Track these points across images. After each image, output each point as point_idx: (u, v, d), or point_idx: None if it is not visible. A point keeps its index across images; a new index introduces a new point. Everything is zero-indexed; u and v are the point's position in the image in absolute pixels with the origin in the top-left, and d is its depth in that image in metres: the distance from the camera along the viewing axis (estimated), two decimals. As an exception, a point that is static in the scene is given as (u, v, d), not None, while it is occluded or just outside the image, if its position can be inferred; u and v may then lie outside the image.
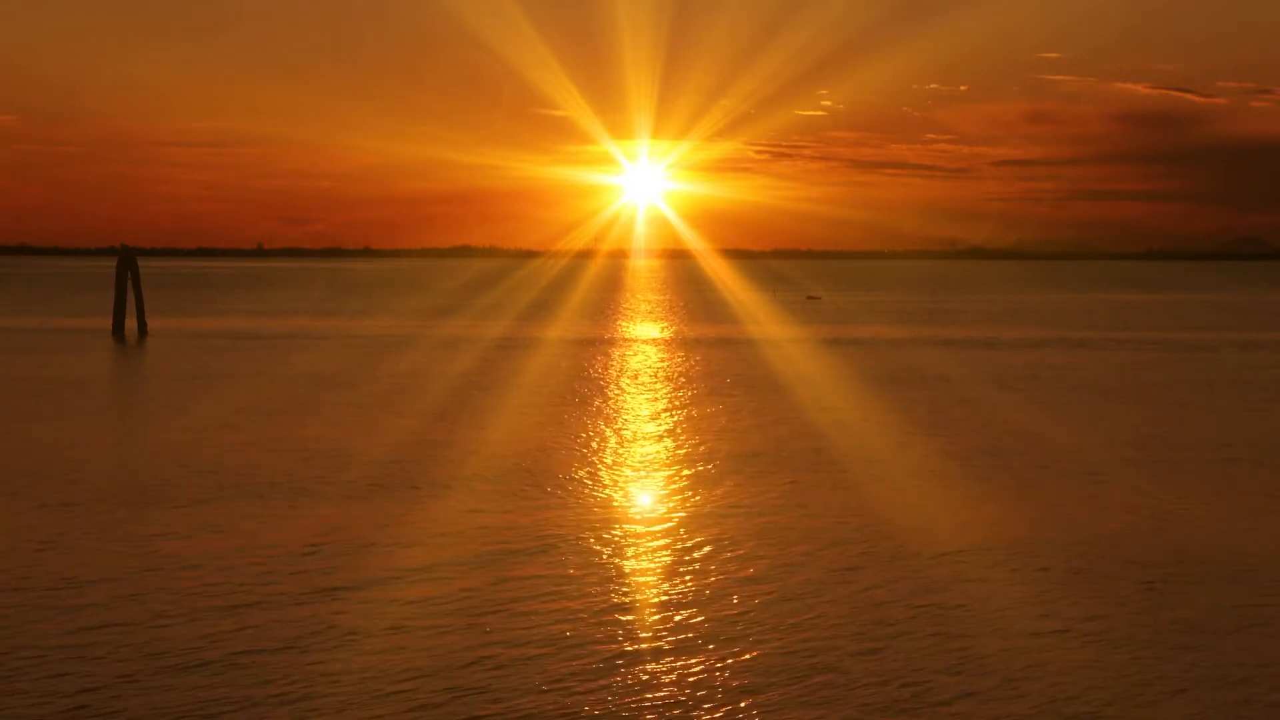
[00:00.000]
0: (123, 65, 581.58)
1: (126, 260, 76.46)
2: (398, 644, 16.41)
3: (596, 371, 53.66)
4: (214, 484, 27.44)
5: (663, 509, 25.30)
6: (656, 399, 43.72)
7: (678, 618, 17.76)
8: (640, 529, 23.40)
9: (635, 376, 51.70)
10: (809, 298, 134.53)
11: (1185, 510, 25.51)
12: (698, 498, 26.31)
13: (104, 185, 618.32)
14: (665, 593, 19.08)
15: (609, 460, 30.92)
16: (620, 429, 36.34)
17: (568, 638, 16.77)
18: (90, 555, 21.13)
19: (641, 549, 21.83)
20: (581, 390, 46.14)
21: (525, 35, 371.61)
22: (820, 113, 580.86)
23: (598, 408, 41.02)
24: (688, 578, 19.92)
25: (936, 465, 30.40)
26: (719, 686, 15.02)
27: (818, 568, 20.58)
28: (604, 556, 21.23)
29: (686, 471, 29.34)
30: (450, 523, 23.66)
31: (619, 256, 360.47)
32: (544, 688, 14.89)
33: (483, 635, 16.83)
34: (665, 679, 15.25)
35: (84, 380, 50.72)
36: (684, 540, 22.41)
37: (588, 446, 32.90)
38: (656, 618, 17.76)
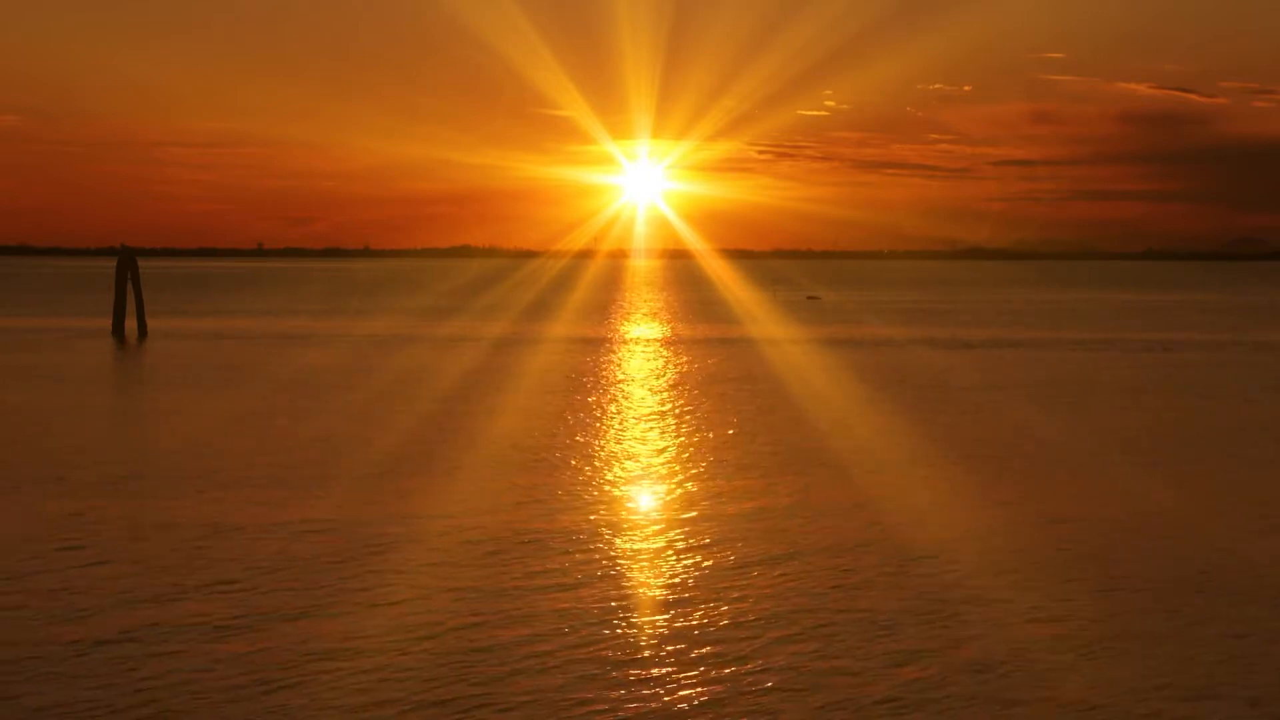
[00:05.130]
0: (123, 65, 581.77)
1: (126, 260, 76.43)
2: (398, 640, 16.37)
3: (596, 371, 53.63)
4: (214, 480, 27.41)
5: (663, 508, 25.27)
6: (656, 399, 43.68)
7: (678, 615, 17.72)
8: (640, 528, 23.36)
9: (635, 376, 51.68)
10: (809, 298, 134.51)
11: (1192, 511, 25.50)
12: (698, 497, 26.27)
13: (104, 185, 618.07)
14: (666, 591, 19.05)
15: (609, 459, 30.88)
16: (620, 428, 36.31)
17: (568, 635, 16.72)
18: (91, 550, 21.10)
19: (642, 548, 21.80)
20: (581, 390, 46.10)
21: (525, 35, 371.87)
22: (824, 113, 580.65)
23: (597, 407, 40.98)
24: (688, 576, 19.88)
25: (938, 465, 30.36)
26: (718, 683, 14.98)
27: (819, 567, 20.54)
28: (604, 555, 21.19)
29: (686, 471, 29.31)
30: (451, 520, 23.62)
31: (619, 256, 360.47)
32: (544, 685, 14.85)
33: (484, 631, 16.79)
34: (665, 677, 15.22)
35: (84, 379, 50.68)
36: (685, 539, 22.38)
37: (588, 445, 32.87)
38: (657, 616, 17.72)
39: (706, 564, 20.77)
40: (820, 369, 55.39)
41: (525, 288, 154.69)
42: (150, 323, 79.39)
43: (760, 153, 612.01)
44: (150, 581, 19.48)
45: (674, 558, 21.21)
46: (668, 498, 26.43)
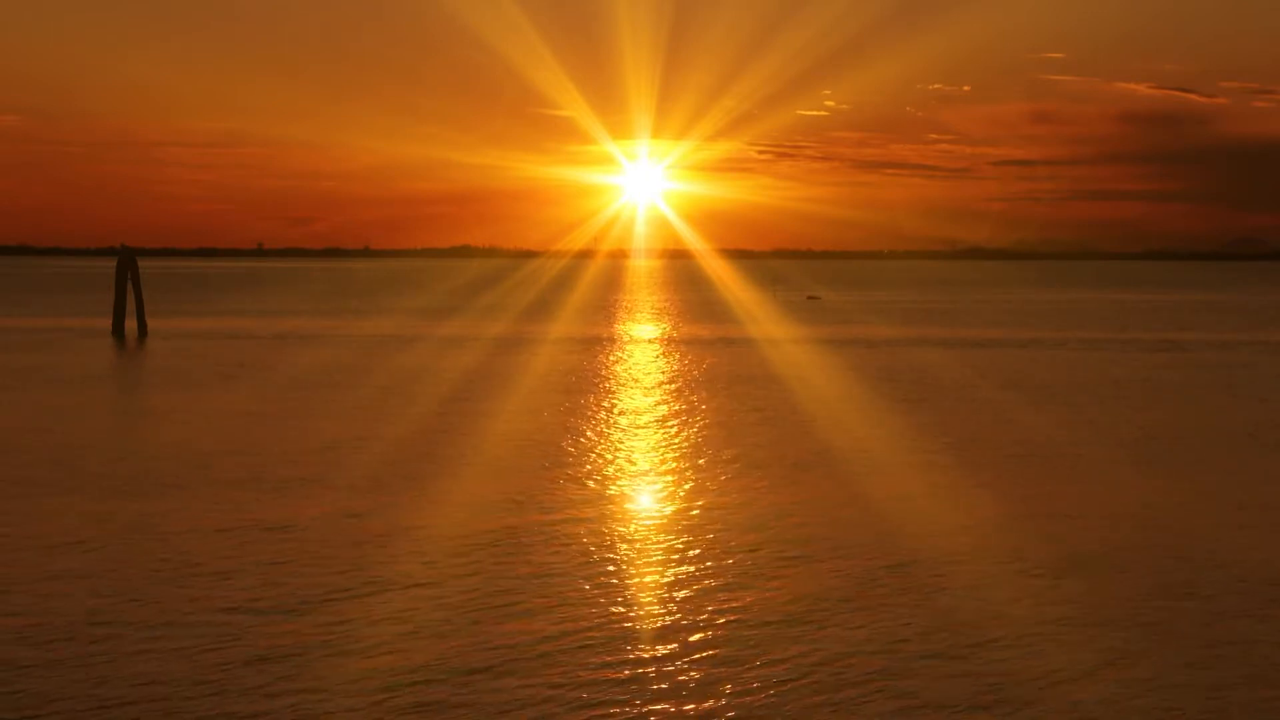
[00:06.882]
0: (123, 65, 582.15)
1: (126, 260, 76.44)
2: (399, 641, 16.37)
3: (596, 371, 53.63)
4: (215, 480, 27.41)
5: (663, 507, 25.27)
6: (656, 398, 43.68)
7: (679, 613, 17.72)
8: (641, 526, 23.36)
9: (635, 376, 51.68)
10: (809, 298, 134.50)
11: (1197, 511, 25.51)
12: (698, 496, 26.27)
13: (104, 185, 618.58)
14: (666, 589, 19.05)
15: (609, 458, 30.88)
16: (620, 428, 36.31)
17: (570, 633, 16.72)
18: (92, 549, 21.11)
19: (642, 546, 21.80)
20: (581, 390, 46.11)
21: (525, 35, 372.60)
22: (823, 113, 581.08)
23: (597, 407, 40.98)
24: (689, 574, 19.88)
25: (939, 464, 30.36)
26: (718, 681, 14.98)
27: (819, 566, 20.54)
28: (605, 554, 21.19)
29: (686, 470, 29.30)
30: (452, 520, 23.62)
31: (619, 256, 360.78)
32: (546, 682, 14.85)
33: (485, 629, 16.80)
34: (666, 674, 15.22)
35: (84, 379, 50.67)
36: (685, 538, 22.37)
37: (588, 445, 32.87)
38: (658, 614, 17.72)
39: (707, 562, 20.76)
40: (820, 369, 55.39)
41: (525, 288, 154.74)
42: (150, 322, 79.42)
43: (760, 153, 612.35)
44: (150, 580, 19.48)
45: (674, 556, 21.20)
46: (668, 497, 26.42)
